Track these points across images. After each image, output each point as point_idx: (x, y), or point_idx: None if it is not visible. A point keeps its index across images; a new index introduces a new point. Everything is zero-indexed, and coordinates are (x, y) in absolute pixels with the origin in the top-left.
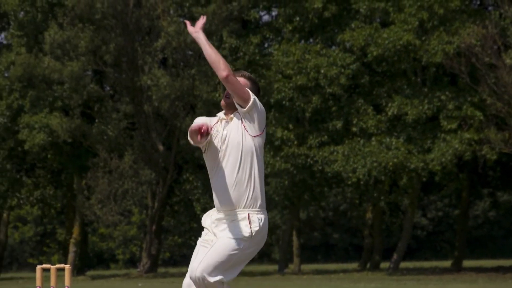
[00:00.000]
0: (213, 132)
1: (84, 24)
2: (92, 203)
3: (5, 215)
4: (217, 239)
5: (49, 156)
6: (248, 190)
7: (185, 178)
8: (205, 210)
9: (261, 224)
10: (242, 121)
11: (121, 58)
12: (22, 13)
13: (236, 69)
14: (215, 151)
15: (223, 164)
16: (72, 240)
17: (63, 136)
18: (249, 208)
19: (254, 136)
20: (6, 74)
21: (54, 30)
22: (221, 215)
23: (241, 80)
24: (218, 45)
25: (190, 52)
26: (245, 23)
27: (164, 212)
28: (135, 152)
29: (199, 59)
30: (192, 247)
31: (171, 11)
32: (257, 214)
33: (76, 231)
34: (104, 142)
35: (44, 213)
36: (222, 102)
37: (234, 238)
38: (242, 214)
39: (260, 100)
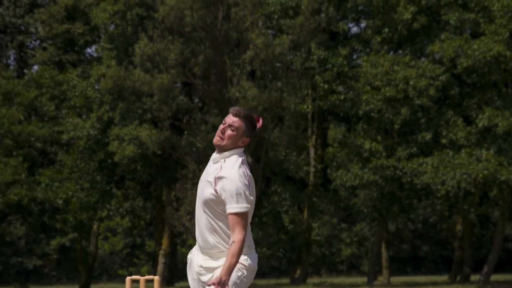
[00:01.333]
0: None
1: (173, 36)
2: (181, 214)
3: (95, 226)
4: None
5: (138, 168)
6: (220, 235)
7: (273, 190)
8: (293, 222)
9: (249, 260)
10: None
11: (210, 70)
12: (112, 26)
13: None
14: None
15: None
16: (162, 252)
17: (152, 148)
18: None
19: None
20: (96, 87)
21: (144, 43)
22: (205, 256)
23: (235, 120)
24: (306, 57)
25: (278, 64)
26: (334, 34)
27: (252, 223)
28: None
29: (287, 71)
30: (280, 259)
31: (260, 23)
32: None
33: (165, 242)
34: (192, 154)
35: (133, 225)
36: (215, 141)
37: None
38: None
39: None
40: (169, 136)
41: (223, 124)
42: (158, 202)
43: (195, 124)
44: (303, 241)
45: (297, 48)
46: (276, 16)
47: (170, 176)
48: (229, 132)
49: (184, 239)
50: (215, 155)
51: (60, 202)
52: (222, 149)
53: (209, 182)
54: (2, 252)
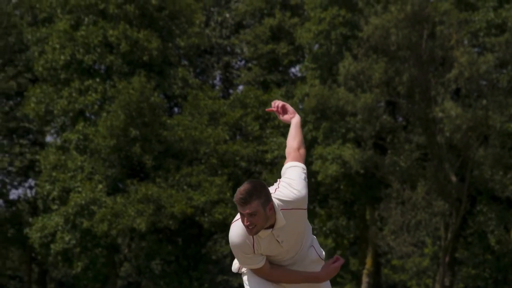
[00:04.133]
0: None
1: (378, 55)
2: (385, 234)
3: None
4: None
5: (341, 187)
6: None
7: (478, 209)
8: (499, 242)
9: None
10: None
11: (414, 89)
12: (316, 45)
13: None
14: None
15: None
16: (365, 271)
17: (355, 167)
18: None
19: None
20: (300, 106)
21: (348, 62)
22: None
23: (248, 207)
24: None
25: (483, 82)
26: None
27: (458, 243)
28: (427, 183)
29: (492, 89)
30: (486, 279)
31: (465, 41)
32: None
33: (369, 262)
34: (396, 173)
35: (337, 244)
36: (252, 234)
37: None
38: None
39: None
40: (372, 155)
41: (242, 216)
42: (361, 221)
43: (398, 143)
44: (510, 261)
45: (503, 65)
46: (481, 34)
47: (374, 195)
48: (253, 219)
49: (388, 258)
50: (265, 233)
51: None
52: (263, 228)
53: (301, 215)
54: (209, 270)
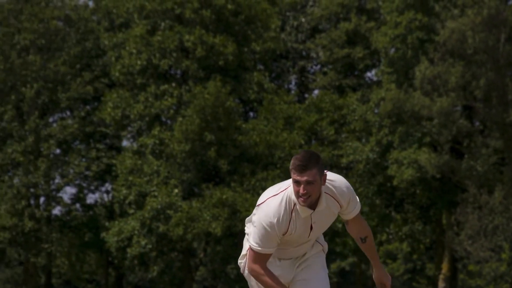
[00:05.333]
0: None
1: (454, 59)
2: (462, 239)
3: None
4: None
5: (417, 191)
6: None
7: None
8: None
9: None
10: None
11: (491, 93)
12: (392, 49)
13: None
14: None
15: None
16: (441, 276)
17: (431, 171)
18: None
19: None
20: (376, 111)
21: (424, 66)
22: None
23: (306, 174)
24: None
25: None
26: None
27: None
28: (505, 187)
29: None
30: None
31: None
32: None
33: (445, 267)
34: (473, 178)
35: (413, 249)
36: (304, 204)
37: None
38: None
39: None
40: (449, 160)
41: (298, 184)
42: (437, 226)
43: (475, 147)
44: None
45: None
46: None
47: (450, 200)
48: (310, 187)
49: (465, 263)
50: (307, 212)
51: (340, 225)
52: (314, 201)
53: (334, 214)
54: None
